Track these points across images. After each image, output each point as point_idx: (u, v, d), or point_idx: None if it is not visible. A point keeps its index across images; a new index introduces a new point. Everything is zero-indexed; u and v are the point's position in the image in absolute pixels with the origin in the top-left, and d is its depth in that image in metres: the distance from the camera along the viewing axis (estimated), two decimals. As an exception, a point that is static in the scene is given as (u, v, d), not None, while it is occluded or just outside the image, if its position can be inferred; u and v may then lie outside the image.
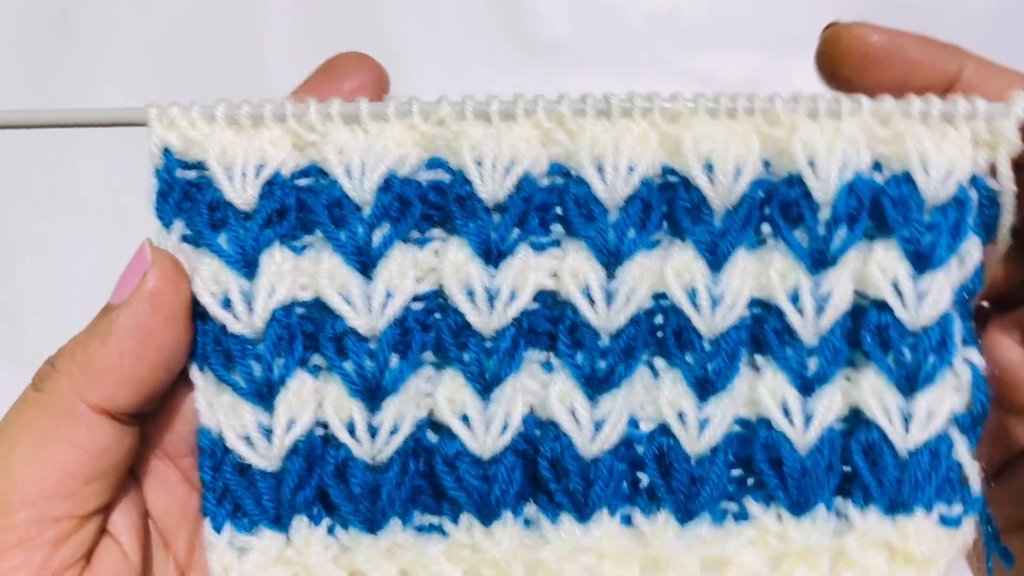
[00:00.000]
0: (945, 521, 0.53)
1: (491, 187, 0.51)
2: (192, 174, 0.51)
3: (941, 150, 0.51)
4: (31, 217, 1.03)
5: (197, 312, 0.51)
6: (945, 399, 0.52)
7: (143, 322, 0.49)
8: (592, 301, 0.51)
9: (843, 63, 0.53)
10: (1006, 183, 0.52)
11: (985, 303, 0.57)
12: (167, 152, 0.51)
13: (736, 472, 0.54)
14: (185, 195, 0.51)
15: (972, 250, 0.53)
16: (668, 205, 0.52)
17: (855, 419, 0.53)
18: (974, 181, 0.52)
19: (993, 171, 0.53)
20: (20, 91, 0.93)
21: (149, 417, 0.53)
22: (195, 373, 0.52)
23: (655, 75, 0.95)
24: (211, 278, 0.51)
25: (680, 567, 0.53)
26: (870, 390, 0.52)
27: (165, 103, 0.51)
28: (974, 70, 0.52)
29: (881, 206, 0.51)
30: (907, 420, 0.52)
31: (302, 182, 0.52)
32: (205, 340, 0.51)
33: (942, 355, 0.52)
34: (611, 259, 0.51)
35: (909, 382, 0.52)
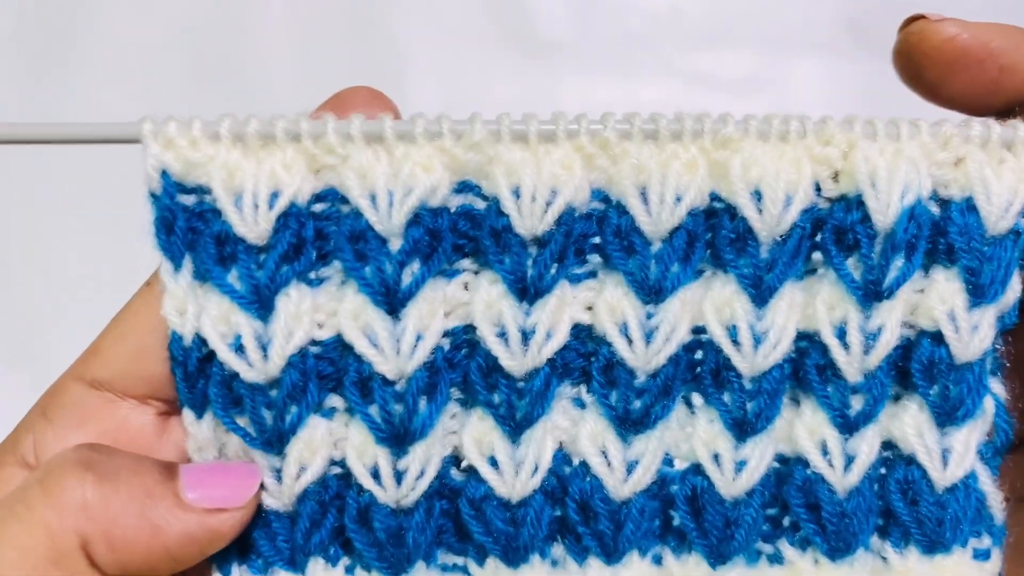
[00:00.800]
0: (977, 555, 0.52)
1: (529, 221, 0.46)
2: (192, 199, 0.45)
3: (1000, 178, 0.49)
4: (31, 221, 0.99)
5: (205, 352, 0.46)
6: (976, 433, 0.51)
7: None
8: (630, 340, 0.48)
9: (927, 65, 0.49)
10: None
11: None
12: (165, 175, 0.45)
13: (772, 511, 0.51)
14: (189, 225, 0.45)
15: (1016, 284, 0.51)
16: (711, 233, 0.48)
17: (890, 454, 0.51)
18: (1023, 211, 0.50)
19: None
20: (21, 96, 0.89)
21: None
22: (190, 419, 0.47)
23: (655, 75, 0.93)
24: (220, 319, 0.45)
25: None
26: (912, 425, 0.50)
27: (162, 115, 0.45)
28: None
29: (944, 233, 0.49)
30: (946, 456, 0.50)
31: (318, 208, 0.46)
32: (209, 384, 0.46)
33: (980, 390, 0.50)
34: (651, 295, 0.48)
35: (950, 417, 0.50)
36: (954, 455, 0.50)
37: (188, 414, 0.47)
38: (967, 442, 0.50)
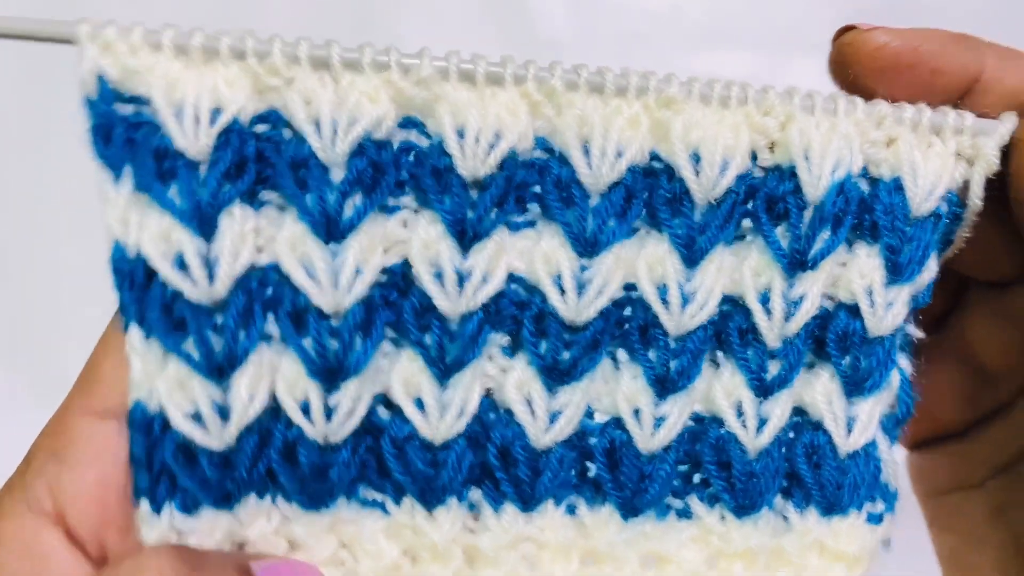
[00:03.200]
0: (871, 519, 0.54)
1: (472, 163, 0.46)
2: (131, 108, 0.44)
3: (928, 162, 0.50)
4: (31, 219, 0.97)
5: (147, 274, 0.44)
6: (879, 404, 0.53)
7: None
8: (563, 291, 0.48)
9: (862, 72, 0.51)
10: (975, 201, 0.52)
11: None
12: (101, 80, 0.44)
13: (683, 467, 0.52)
14: (128, 135, 0.44)
15: (932, 266, 0.53)
16: (649, 194, 0.49)
17: (800, 419, 0.53)
18: (947, 196, 0.52)
19: (966, 186, 0.52)
20: (21, 96, 0.87)
21: None
22: (134, 339, 0.45)
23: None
24: (161, 236, 0.44)
25: (619, 561, 0.52)
26: (823, 393, 0.52)
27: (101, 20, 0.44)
28: (995, 64, 0.51)
29: (870, 210, 0.50)
30: (850, 424, 0.52)
31: (260, 128, 0.45)
32: (151, 305, 0.44)
33: (888, 364, 0.52)
34: (587, 248, 0.48)
35: (857, 388, 0.52)
36: (858, 424, 0.52)
37: (135, 333, 0.45)
38: (871, 412, 0.52)
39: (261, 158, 0.45)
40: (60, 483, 0.46)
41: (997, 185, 0.52)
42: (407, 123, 0.47)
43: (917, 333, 0.54)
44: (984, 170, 0.52)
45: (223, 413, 0.46)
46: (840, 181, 0.49)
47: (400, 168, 0.47)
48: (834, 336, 0.51)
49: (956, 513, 0.58)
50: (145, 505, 0.46)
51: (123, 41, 0.44)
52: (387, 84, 0.46)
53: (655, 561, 0.52)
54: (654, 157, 0.49)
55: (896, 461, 0.55)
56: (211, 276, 0.44)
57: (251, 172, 0.45)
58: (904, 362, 0.54)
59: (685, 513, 0.53)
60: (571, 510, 0.52)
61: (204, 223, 0.44)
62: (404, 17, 0.94)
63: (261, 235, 0.46)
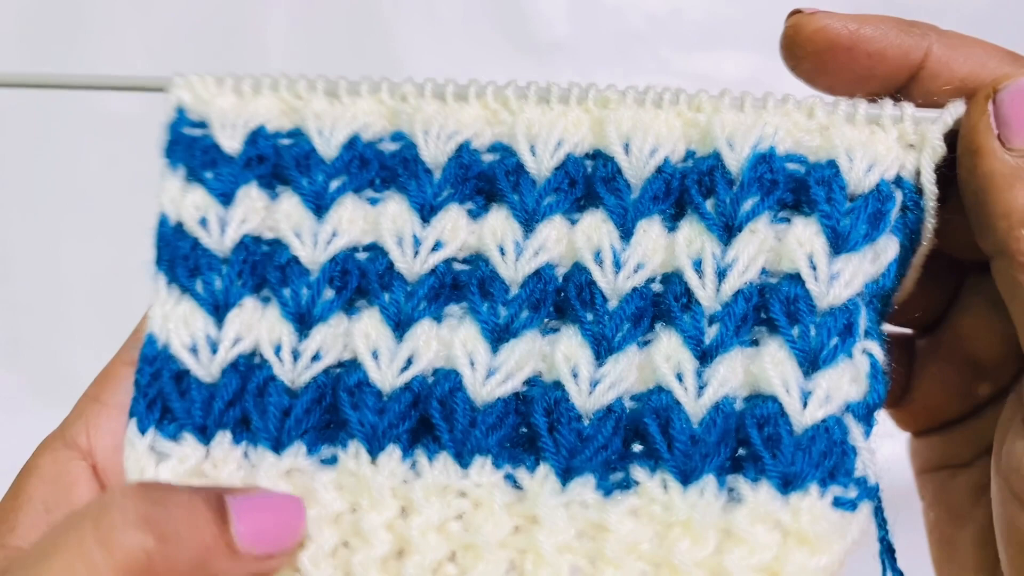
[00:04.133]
0: (840, 503, 0.50)
1: (432, 150, 0.56)
2: (197, 132, 0.60)
3: (867, 146, 0.53)
4: (31, 217, 1.04)
5: (178, 231, 0.58)
6: (843, 384, 0.51)
7: None
8: (503, 253, 0.55)
9: (805, 56, 0.53)
10: (928, 185, 0.52)
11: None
12: (180, 110, 0.61)
13: (621, 437, 0.52)
14: (189, 144, 0.59)
15: (888, 247, 0.52)
16: (588, 179, 0.55)
17: (755, 396, 0.51)
18: (900, 183, 0.53)
19: (917, 173, 0.53)
20: (20, 96, 0.92)
21: None
22: (160, 284, 0.57)
23: (655, 75, 0.94)
24: (194, 204, 0.58)
25: (554, 527, 0.51)
26: (771, 361, 0.51)
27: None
28: (942, 51, 0.52)
29: (805, 188, 0.53)
30: (806, 397, 0.50)
31: (284, 142, 0.59)
32: (177, 252, 0.57)
33: (844, 340, 0.51)
34: (529, 219, 0.55)
35: (810, 360, 0.51)
36: (815, 397, 0.50)
37: (161, 279, 0.57)
38: (829, 388, 0.50)
39: (280, 157, 0.59)
40: (98, 422, 0.56)
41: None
42: (396, 136, 0.59)
43: (896, 328, 0.53)
44: (931, 156, 0.53)
45: (213, 347, 0.56)
46: (762, 152, 0.53)
47: (386, 168, 0.58)
48: (778, 304, 0.52)
49: (943, 489, 0.58)
50: (133, 425, 0.55)
51: (200, 82, 0.61)
52: (379, 103, 0.59)
53: (595, 533, 0.51)
54: (597, 154, 0.56)
55: (873, 451, 0.51)
56: (223, 232, 0.57)
57: (268, 165, 0.58)
58: (874, 348, 0.52)
59: (626, 484, 0.52)
60: (511, 479, 0.53)
61: (226, 196, 0.58)
62: (405, 18, 1.00)
63: (272, 216, 0.58)
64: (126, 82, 0.62)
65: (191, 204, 0.58)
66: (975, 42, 0.53)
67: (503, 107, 0.57)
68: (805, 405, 0.50)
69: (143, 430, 0.56)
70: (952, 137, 0.53)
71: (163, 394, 0.56)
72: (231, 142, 0.58)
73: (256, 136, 0.59)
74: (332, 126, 0.58)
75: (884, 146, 0.53)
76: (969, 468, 0.57)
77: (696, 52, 1.08)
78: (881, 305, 0.53)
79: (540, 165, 0.55)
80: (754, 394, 0.52)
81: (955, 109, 0.53)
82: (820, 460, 0.50)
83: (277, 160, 0.59)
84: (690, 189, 0.54)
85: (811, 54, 0.53)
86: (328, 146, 0.58)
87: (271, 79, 0.60)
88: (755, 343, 0.52)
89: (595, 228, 0.54)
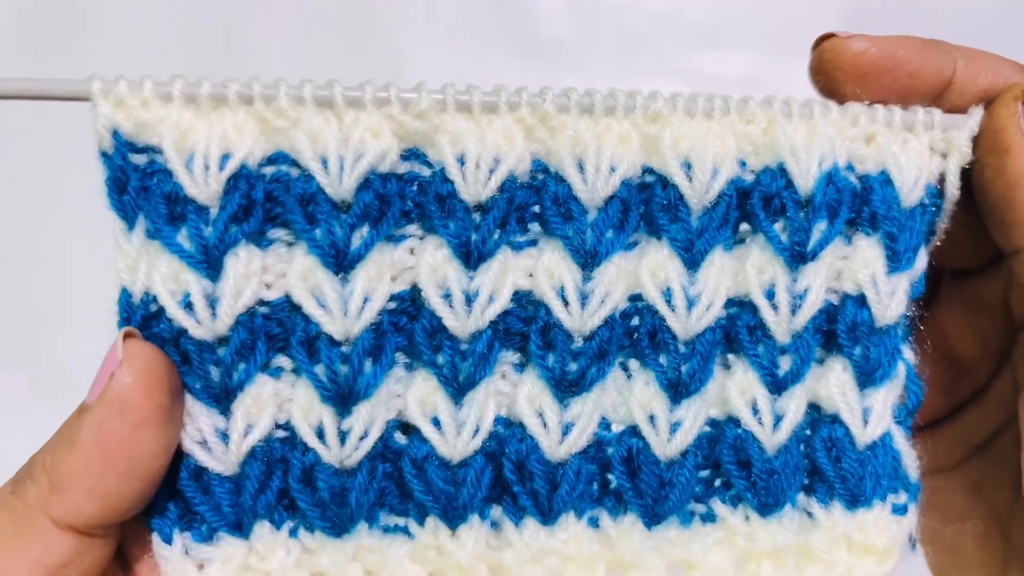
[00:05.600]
0: (895, 510, 0.55)
1: (474, 188, 0.48)
2: (144, 159, 0.46)
3: (907, 155, 0.53)
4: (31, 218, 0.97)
5: (154, 310, 0.47)
6: (891, 395, 0.54)
7: (109, 430, 0.44)
8: (566, 302, 0.50)
9: (842, 78, 0.53)
10: (952, 191, 0.55)
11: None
12: (116, 134, 0.46)
13: (704, 473, 0.53)
14: (142, 184, 0.46)
15: (923, 256, 0.55)
16: (645, 204, 0.51)
17: (816, 415, 0.54)
18: (927, 189, 0.54)
19: (942, 179, 0.55)
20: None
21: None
22: None
23: (655, 75, 0.95)
24: (170, 277, 0.46)
25: (646, 570, 0.52)
26: (837, 385, 0.53)
27: (111, 75, 0.46)
28: (965, 66, 0.54)
29: (867, 202, 0.52)
30: (866, 415, 0.53)
31: (268, 170, 0.47)
32: (161, 339, 0.47)
33: (895, 354, 0.54)
34: (588, 260, 0.50)
35: (869, 378, 0.53)
36: (873, 414, 0.53)
37: None
38: (885, 402, 0.54)
39: (270, 198, 0.47)
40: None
41: (961, 176, 0.55)
42: (410, 155, 0.49)
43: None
44: (959, 161, 0.54)
45: (225, 440, 0.48)
46: (828, 171, 0.51)
47: (405, 198, 0.49)
48: (844, 327, 0.53)
49: (936, 494, 0.59)
50: (156, 538, 0.48)
51: (134, 95, 0.46)
52: (388, 119, 0.48)
53: (683, 567, 0.53)
54: (647, 171, 0.51)
55: (912, 451, 0.56)
56: (214, 314, 0.46)
57: (259, 213, 0.47)
58: (908, 352, 0.56)
59: (709, 517, 0.53)
60: (594, 522, 0.53)
61: (210, 265, 0.46)
62: (405, 18, 0.95)
63: (270, 272, 0.48)
64: (27, 89, 0.45)
65: (167, 279, 0.46)
66: (990, 55, 0.55)
67: (541, 122, 0.50)
68: (866, 423, 0.53)
69: (167, 539, 0.48)
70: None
71: (184, 495, 0.48)
72: (205, 189, 0.46)
73: (237, 179, 0.46)
74: (339, 157, 0.47)
75: (918, 154, 0.54)
76: (960, 470, 0.59)
77: (697, 51, 1.03)
78: (913, 309, 0.56)
79: (593, 194, 0.50)
80: (815, 412, 0.54)
81: (977, 115, 0.54)
82: (882, 475, 0.54)
83: (267, 204, 0.48)
84: (757, 211, 0.51)
85: (854, 77, 0.53)
86: (339, 187, 0.47)
87: (239, 86, 0.47)
88: (820, 362, 0.54)
89: (660, 265, 0.51)
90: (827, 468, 0.53)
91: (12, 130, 0.93)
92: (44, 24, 0.96)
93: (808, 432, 0.54)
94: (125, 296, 0.47)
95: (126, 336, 0.45)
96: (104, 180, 0.46)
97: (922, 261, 0.55)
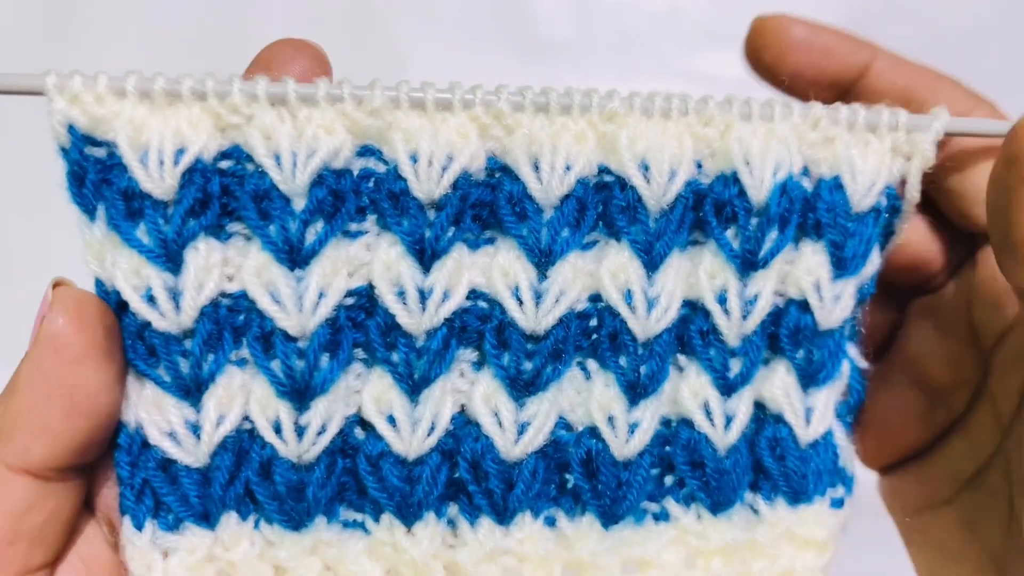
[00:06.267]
0: (833, 503, 0.56)
1: (427, 185, 0.48)
2: (103, 152, 0.46)
3: (866, 159, 0.53)
4: (31, 216, 0.98)
5: (119, 304, 0.47)
6: (834, 394, 0.55)
7: (47, 369, 0.45)
8: (520, 301, 0.50)
9: (766, 50, 0.56)
10: (913, 194, 0.54)
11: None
12: (72, 129, 0.46)
13: (656, 471, 0.53)
14: (101, 177, 0.46)
15: (874, 258, 0.55)
16: (603, 205, 0.51)
17: (762, 414, 0.54)
18: (885, 190, 0.54)
19: (903, 182, 0.54)
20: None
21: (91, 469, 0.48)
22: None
23: (655, 75, 0.95)
24: (132, 272, 0.46)
25: (602, 570, 0.52)
26: (780, 386, 0.53)
27: (66, 70, 0.46)
28: (884, 63, 0.56)
29: (813, 208, 0.52)
30: (808, 415, 0.54)
31: (224, 164, 0.48)
32: (127, 334, 0.47)
33: (839, 355, 0.54)
34: (543, 259, 0.50)
35: (812, 379, 0.54)
36: (816, 413, 0.54)
37: None
38: (827, 402, 0.54)
39: (226, 192, 0.48)
40: None
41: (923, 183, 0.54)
42: (365, 151, 0.49)
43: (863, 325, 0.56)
44: (921, 164, 0.54)
45: (196, 431, 0.48)
46: (782, 182, 0.51)
47: (360, 194, 0.49)
48: (787, 331, 0.53)
49: (930, 531, 0.59)
50: (128, 522, 0.48)
51: (88, 91, 0.46)
52: (342, 116, 0.48)
53: (637, 566, 0.53)
54: (604, 170, 0.51)
55: (851, 446, 0.57)
56: (177, 307, 0.47)
57: (215, 207, 0.47)
58: (853, 351, 0.56)
59: (663, 516, 0.54)
60: (551, 522, 0.53)
61: (170, 259, 0.47)
62: (404, 18, 0.95)
63: (230, 264, 0.48)
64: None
65: (128, 274, 0.46)
66: (910, 61, 0.57)
67: (496, 121, 0.50)
68: (809, 423, 0.54)
69: (139, 526, 0.49)
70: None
71: (151, 485, 0.49)
72: (160, 184, 0.46)
73: (192, 173, 0.47)
74: (292, 154, 0.47)
75: (879, 157, 0.53)
76: (951, 504, 0.58)
77: (697, 51, 1.03)
78: (861, 310, 0.56)
79: (548, 192, 0.50)
80: (761, 412, 0.54)
81: (942, 117, 0.54)
82: (823, 472, 0.55)
83: (224, 198, 0.48)
84: (710, 218, 0.51)
85: (772, 49, 0.57)
86: (292, 183, 0.47)
87: (194, 82, 0.47)
88: (766, 363, 0.54)
89: (622, 267, 0.51)
90: (772, 466, 0.54)
91: (12, 129, 0.93)
92: (42, 24, 0.97)
93: (754, 430, 0.54)
94: (99, 286, 0.47)
95: (56, 285, 0.46)
96: (64, 175, 0.47)
97: (873, 264, 0.55)
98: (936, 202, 0.57)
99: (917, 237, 0.57)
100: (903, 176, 0.54)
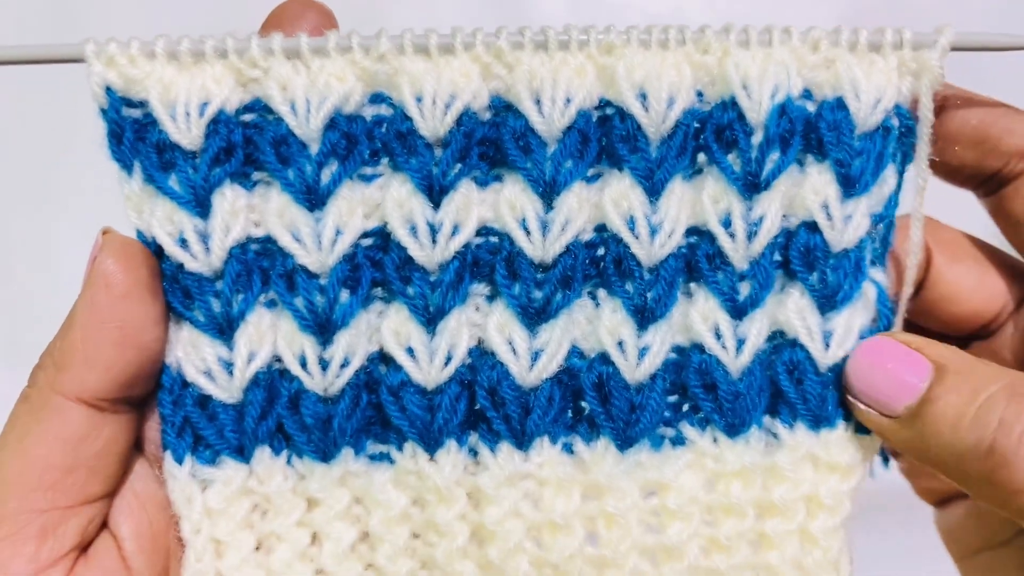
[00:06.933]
0: (860, 430, 0.55)
1: (431, 123, 0.51)
2: (138, 112, 0.51)
3: (870, 77, 0.53)
4: (32, 215, 1.03)
5: (157, 253, 0.51)
6: (857, 317, 0.54)
7: (98, 303, 0.49)
8: (528, 231, 0.52)
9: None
10: (926, 113, 0.54)
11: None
12: (109, 91, 0.51)
13: (672, 398, 0.54)
14: (137, 135, 0.51)
15: (888, 177, 0.54)
16: (606, 137, 0.53)
17: (779, 339, 0.55)
18: (896, 109, 0.54)
19: (915, 101, 0.54)
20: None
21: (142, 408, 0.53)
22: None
23: None
24: (166, 219, 0.51)
25: (620, 492, 0.54)
26: (795, 310, 0.54)
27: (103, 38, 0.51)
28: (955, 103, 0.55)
29: (815, 129, 0.53)
30: (827, 338, 0.54)
31: (247, 118, 0.52)
32: (165, 279, 0.51)
33: (857, 276, 0.54)
34: (548, 190, 0.52)
35: (829, 302, 0.54)
36: (835, 337, 0.54)
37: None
38: (847, 325, 0.54)
39: (249, 142, 0.52)
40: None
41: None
42: (376, 98, 0.52)
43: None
44: (931, 82, 0.54)
45: (229, 368, 0.51)
46: (781, 103, 0.52)
47: (374, 139, 0.52)
48: (797, 253, 0.53)
49: (989, 571, 0.58)
50: (169, 457, 0.52)
51: (123, 54, 0.51)
52: (352, 64, 0.52)
53: (656, 489, 0.54)
54: (605, 103, 0.53)
55: None
56: (207, 249, 0.51)
57: (239, 155, 0.51)
58: (879, 275, 0.55)
59: (679, 440, 0.55)
60: (568, 448, 0.54)
61: (199, 204, 0.51)
62: (403, 17, 0.98)
63: (256, 210, 0.52)
64: (25, 54, 0.51)
65: (163, 221, 0.51)
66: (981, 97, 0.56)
67: (497, 59, 0.52)
68: (828, 346, 0.54)
69: (179, 460, 0.52)
70: None
71: (190, 421, 0.52)
72: (187, 135, 0.50)
73: (216, 124, 0.51)
74: (306, 101, 0.51)
75: (884, 76, 0.53)
76: (1010, 545, 0.58)
77: None
78: (885, 231, 0.55)
79: (551, 125, 0.52)
80: (778, 337, 0.55)
81: (949, 33, 0.54)
82: (844, 397, 0.54)
83: (248, 148, 0.52)
84: (710, 143, 0.52)
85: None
86: (307, 127, 0.51)
87: (215, 41, 0.51)
88: (781, 288, 0.54)
89: (623, 195, 0.52)
90: (789, 390, 0.54)
91: (12, 129, 0.97)
92: (44, 20, 1.03)
93: (772, 356, 0.55)
94: (140, 236, 0.52)
95: (104, 232, 0.51)
96: (105, 135, 0.51)
97: (888, 184, 0.54)
98: (1003, 230, 0.57)
99: (967, 288, 0.58)
100: (915, 96, 0.54)
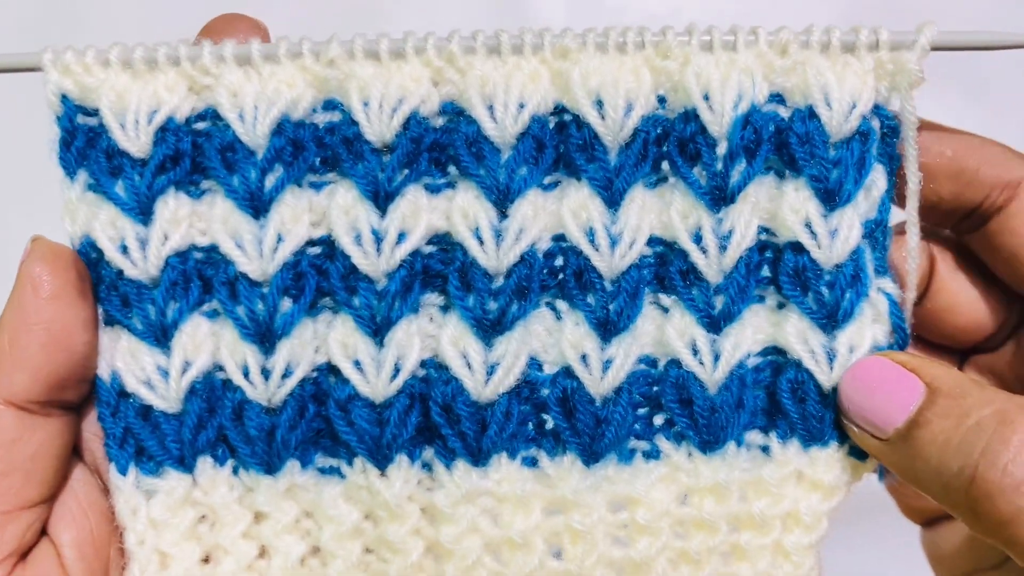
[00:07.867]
0: (853, 452, 0.53)
1: (378, 128, 0.50)
2: (93, 120, 0.51)
3: (843, 82, 0.50)
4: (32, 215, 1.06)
5: (94, 257, 0.51)
6: (866, 331, 0.51)
7: (26, 305, 0.49)
8: (481, 240, 0.50)
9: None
10: (908, 116, 0.51)
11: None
12: (65, 99, 0.51)
13: (643, 411, 0.52)
14: (87, 143, 0.51)
15: (877, 180, 0.51)
16: (563, 144, 0.51)
17: (780, 358, 0.52)
18: (876, 110, 0.51)
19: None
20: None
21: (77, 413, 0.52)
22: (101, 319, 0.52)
23: None
24: (109, 224, 0.50)
25: (586, 507, 0.51)
26: (793, 332, 0.51)
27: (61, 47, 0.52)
28: (929, 137, 0.53)
29: (787, 143, 0.50)
30: (831, 357, 0.51)
31: (200, 125, 0.51)
32: (104, 285, 0.51)
33: (858, 289, 0.51)
34: (502, 198, 0.50)
35: (830, 320, 0.51)
36: (839, 356, 0.51)
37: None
38: (852, 343, 0.51)
39: (198, 150, 0.51)
40: None
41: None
42: (329, 105, 0.52)
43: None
44: (910, 84, 0.51)
45: (167, 377, 0.51)
46: (744, 114, 0.50)
47: (324, 146, 0.51)
48: (787, 277, 0.51)
49: None
50: (113, 469, 0.51)
51: (78, 63, 0.51)
52: (303, 70, 0.51)
53: (624, 504, 0.52)
54: (561, 109, 0.51)
55: None
56: (144, 256, 0.50)
57: (187, 163, 0.51)
58: (887, 285, 0.53)
59: (653, 454, 0.52)
60: (530, 462, 0.52)
61: (142, 211, 0.50)
62: (403, 17, 0.97)
63: (202, 218, 0.52)
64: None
65: (105, 227, 0.51)
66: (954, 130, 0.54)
67: (449, 64, 0.51)
68: (831, 366, 0.51)
69: (123, 471, 0.52)
70: None
71: (132, 431, 0.52)
72: (136, 142, 0.50)
73: (164, 131, 0.50)
74: (254, 107, 0.50)
75: (859, 78, 0.50)
76: (1001, 569, 0.56)
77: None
78: (881, 237, 0.52)
79: (503, 132, 0.50)
80: (779, 355, 0.52)
81: (929, 32, 0.51)
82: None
83: (195, 155, 0.51)
84: (675, 157, 0.50)
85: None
86: (254, 134, 0.50)
87: (168, 49, 0.51)
88: (762, 299, 0.52)
89: (582, 205, 0.50)
90: (791, 409, 0.52)
91: (12, 130, 0.95)
92: (44, 19, 1.03)
93: (774, 374, 0.52)
94: (83, 245, 0.51)
95: (34, 239, 0.51)
96: (57, 141, 0.52)
97: (879, 186, 0.52)
98: (990, 265, 0.55)
99: (968, 299, 0.56)
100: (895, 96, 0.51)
